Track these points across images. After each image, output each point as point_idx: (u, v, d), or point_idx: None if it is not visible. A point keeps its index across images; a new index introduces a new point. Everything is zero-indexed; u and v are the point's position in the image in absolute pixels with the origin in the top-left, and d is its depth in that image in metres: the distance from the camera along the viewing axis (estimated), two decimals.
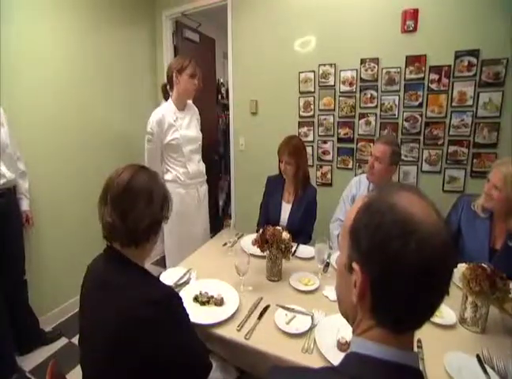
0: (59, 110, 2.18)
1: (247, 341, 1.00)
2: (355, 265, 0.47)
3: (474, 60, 2.08)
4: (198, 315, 1.06)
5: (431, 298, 0.46)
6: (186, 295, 1.18)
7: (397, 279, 0.44)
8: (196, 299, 1.16)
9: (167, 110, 1.97)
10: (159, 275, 1.36)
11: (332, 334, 1.01)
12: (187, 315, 0.86)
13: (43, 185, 2.08)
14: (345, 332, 1.00)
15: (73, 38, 2.24)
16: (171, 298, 0.82)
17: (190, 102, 2.14)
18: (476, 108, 2.12)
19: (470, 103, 2.13)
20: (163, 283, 0.87)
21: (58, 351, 1.96)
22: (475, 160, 2.18)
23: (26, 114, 1.98)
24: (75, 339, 2.04)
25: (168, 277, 1.32)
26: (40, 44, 2.04)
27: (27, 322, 1.91)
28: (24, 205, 1.86)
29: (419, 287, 0.44)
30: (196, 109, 2.19)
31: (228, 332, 1.04)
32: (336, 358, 0.93)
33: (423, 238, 0.43)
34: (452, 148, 2.22)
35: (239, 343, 1.00)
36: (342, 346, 0.96)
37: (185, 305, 0.85)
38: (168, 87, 2.04)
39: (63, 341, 2.05)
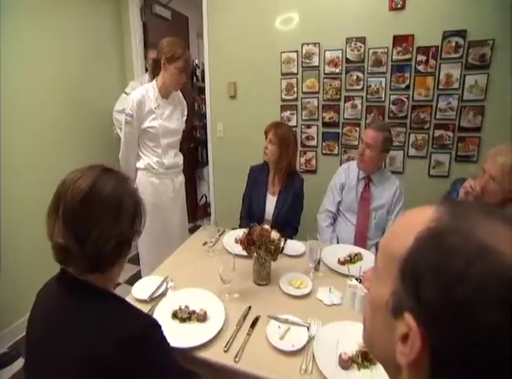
0: (24, 92, 1.90)
1: (237, 364, 0.86)
2: (408, 317, 0.32)
3: (461, 41, 2.00)
4: (179, 335, 0.91)
5: None
6: (164, 311, 1.01)
7: (471, 351, 0.29)
8: (175, 315, 0.99)
9: (149, 93, 1.75)
10: (135, 280, 1.21)
11: (331, 348, 0.90)
12: (168, 345, 0.71)
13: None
14: (345, 344, 0.90)
15: (31, 14, 1.92)
16: (151, 328, 0.66)
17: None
18: (462, 91, 2.06)
19: (456, 86, 2.07)
20: (139, 311, 0.70)
21: (15, 376, 1.65)
22: (459, 144, 2.14)
23: None
24: None
25: (142, 289, 1.15)
26: None
27: None
28: None
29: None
30: (182, 99, 1.97)
31: (215, 355, 0.89)
32: (338, 378, 0.82)
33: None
34: (438, 132, 2.17)
35: (227, 367, 0.86)
36: (344, 363, 0.85)
37: (163, 323, 0.70)
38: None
39: (21, 363, 1.69)
